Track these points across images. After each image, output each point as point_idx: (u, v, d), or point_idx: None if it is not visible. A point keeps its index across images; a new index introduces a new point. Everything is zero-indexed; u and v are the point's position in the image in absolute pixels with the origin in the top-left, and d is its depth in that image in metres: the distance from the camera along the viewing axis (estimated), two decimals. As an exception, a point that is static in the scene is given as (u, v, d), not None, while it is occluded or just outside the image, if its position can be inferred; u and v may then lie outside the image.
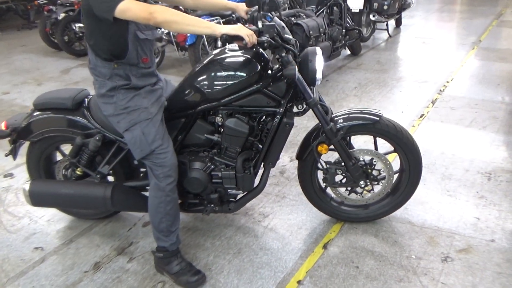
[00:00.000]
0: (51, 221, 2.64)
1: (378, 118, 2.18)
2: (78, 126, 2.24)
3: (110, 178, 2.45)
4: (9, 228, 2.60)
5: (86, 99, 2.28)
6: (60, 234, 2.53)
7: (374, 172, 2.30)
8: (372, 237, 2.35)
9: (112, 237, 2.47)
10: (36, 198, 2.24)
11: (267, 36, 1.89)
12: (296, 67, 1.98)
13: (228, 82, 2.02)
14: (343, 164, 2.25)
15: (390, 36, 7.07)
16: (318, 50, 2.06)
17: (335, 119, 2.20)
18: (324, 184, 2.36)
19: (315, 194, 2.40)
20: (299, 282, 2.07)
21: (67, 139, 2.33)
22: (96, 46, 1.90)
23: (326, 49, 4.71)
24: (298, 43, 2.13)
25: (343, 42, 5.28)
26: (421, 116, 3.92)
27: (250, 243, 2.34)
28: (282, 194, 2.79)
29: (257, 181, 2.23)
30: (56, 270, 2.23)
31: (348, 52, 6.09)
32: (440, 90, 4.56)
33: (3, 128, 2.34)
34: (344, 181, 2.32)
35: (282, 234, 2.41)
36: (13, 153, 2.40)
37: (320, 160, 2.28)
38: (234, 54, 2.07)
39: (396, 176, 2.37)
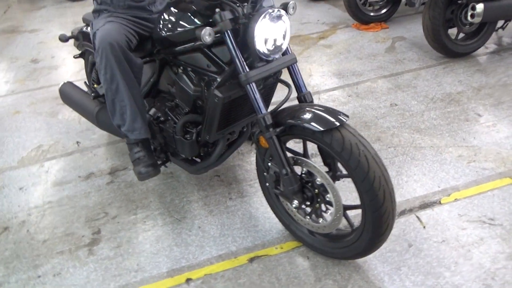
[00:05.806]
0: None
1: (330, 128, 1.46)
2: None
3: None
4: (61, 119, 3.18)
5: None
6: (96, 136, 2.93)
7: (317, 194, 1.67)
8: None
9: (123, 156, 2.68)
10: (63, 96, 2.68)
11: None
12: (208, 28, 1.52)
13: (175, 30, 1.80)
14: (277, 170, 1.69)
15: None
16: (270, 12, 1.54)
17: (283, 110, 1.62)
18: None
19: (268, 194, 1.94)
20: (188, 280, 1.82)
21: None
22: None
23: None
24: None
25: None
26: None
27: (197, 217, 2.15)
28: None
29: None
30: (68, 166, 2.64)
31: None
32: None
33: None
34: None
35: (232, 222, 2.09)
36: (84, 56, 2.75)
37: (264, 155, 1.78)
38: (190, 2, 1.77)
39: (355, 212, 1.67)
